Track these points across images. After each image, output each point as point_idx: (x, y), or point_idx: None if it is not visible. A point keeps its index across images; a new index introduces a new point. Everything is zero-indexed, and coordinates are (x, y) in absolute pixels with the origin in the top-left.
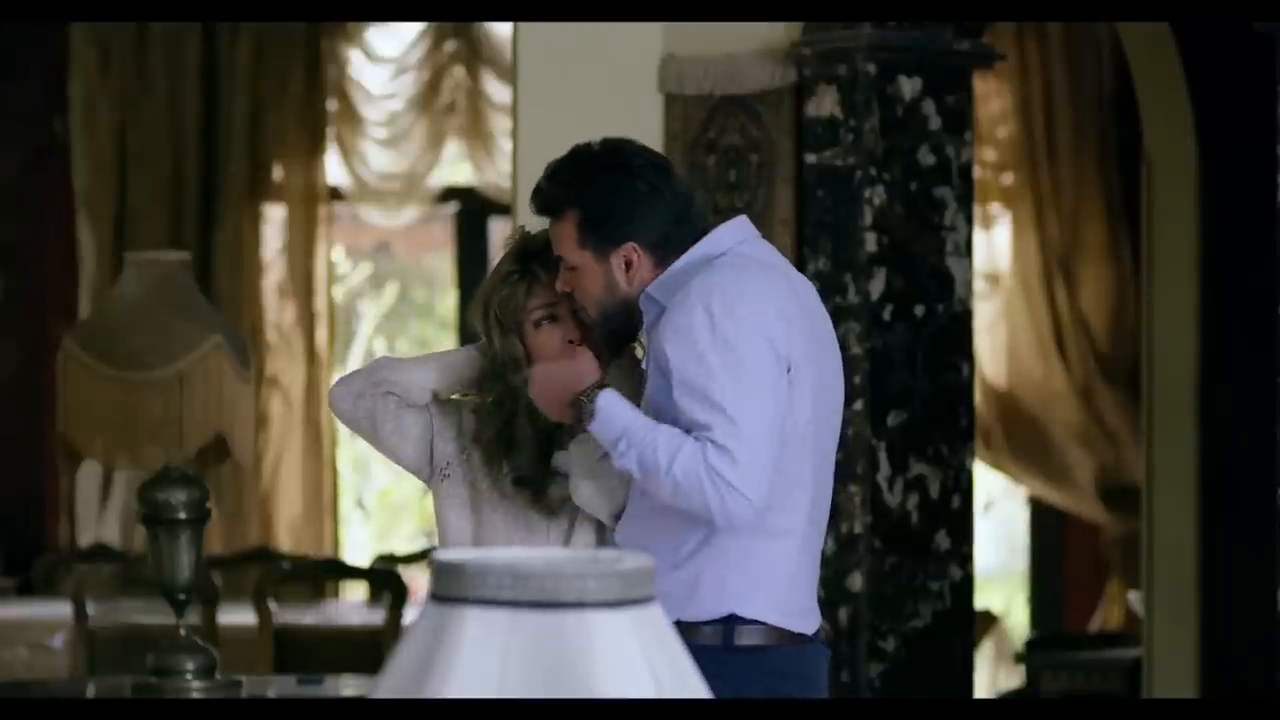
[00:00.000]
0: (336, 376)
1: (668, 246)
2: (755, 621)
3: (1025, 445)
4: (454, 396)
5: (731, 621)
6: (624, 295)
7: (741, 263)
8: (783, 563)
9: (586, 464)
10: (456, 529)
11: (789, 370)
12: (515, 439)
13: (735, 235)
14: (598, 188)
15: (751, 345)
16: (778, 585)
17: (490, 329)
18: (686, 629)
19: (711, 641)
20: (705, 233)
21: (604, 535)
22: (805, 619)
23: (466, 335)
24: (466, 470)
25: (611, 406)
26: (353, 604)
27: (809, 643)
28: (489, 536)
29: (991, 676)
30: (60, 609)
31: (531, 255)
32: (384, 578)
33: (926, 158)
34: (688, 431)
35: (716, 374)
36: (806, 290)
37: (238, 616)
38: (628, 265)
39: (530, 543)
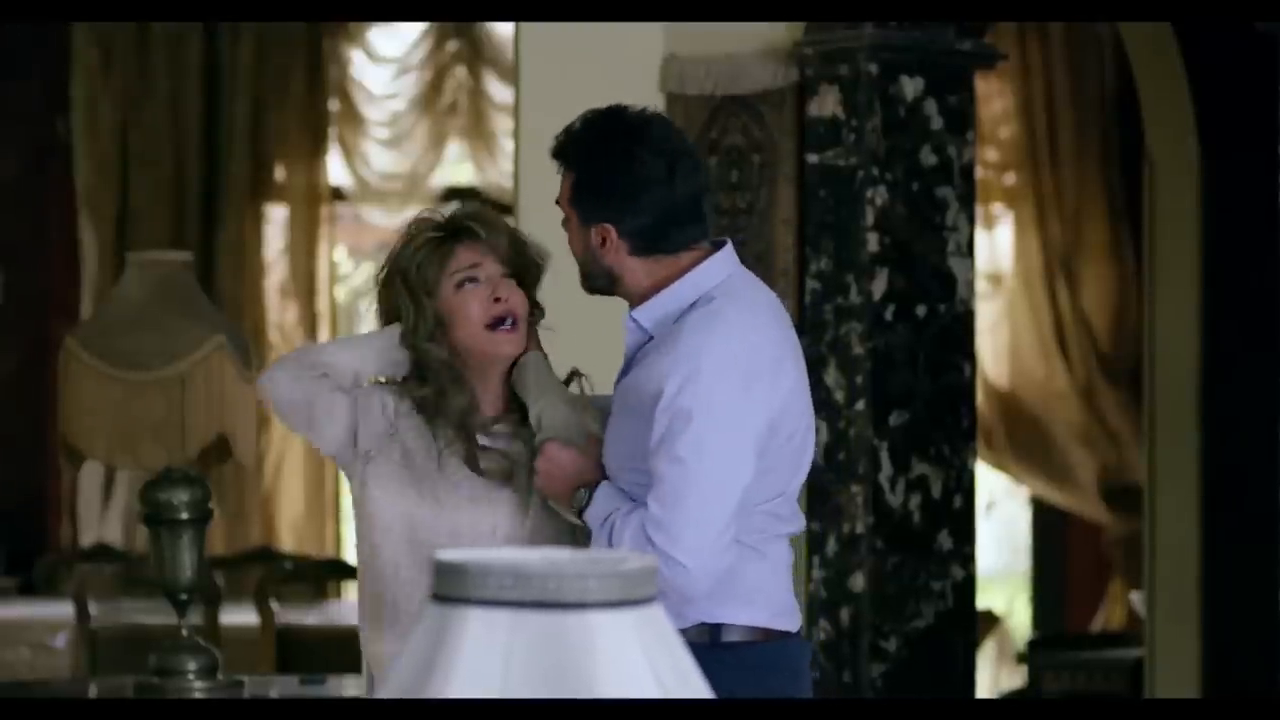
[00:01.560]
0: None
1: (648, 239)
2: (739, 624)
3: (1027, 445)
4: (378, 379)
5: (717, 623)
6: (602, 265)
7: (733, 312)
8: (765, 575)
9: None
10: (386, 509)
11: (776, 419)
12: (449, 405)
13: (722, 269)
14: (594, 160)
15: (734, 408)
16: (760, 592)
17: (410, 295)
18: None
19: (696, 640)
20: (697, 240)
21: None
22: (787, 618)
23: None
24: (396, 449)
25: (601, 500)
26: (355, 604)
27: (792, 638)
28: (430, 514)
29: (993, 677)
30: (62, 609)
31: (453, 223)
32: None
33: (928, 158)
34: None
35: (688, 431)
36: (781, 312)
37: (240, 616)
38: (603, 241)
39: (481, 514)
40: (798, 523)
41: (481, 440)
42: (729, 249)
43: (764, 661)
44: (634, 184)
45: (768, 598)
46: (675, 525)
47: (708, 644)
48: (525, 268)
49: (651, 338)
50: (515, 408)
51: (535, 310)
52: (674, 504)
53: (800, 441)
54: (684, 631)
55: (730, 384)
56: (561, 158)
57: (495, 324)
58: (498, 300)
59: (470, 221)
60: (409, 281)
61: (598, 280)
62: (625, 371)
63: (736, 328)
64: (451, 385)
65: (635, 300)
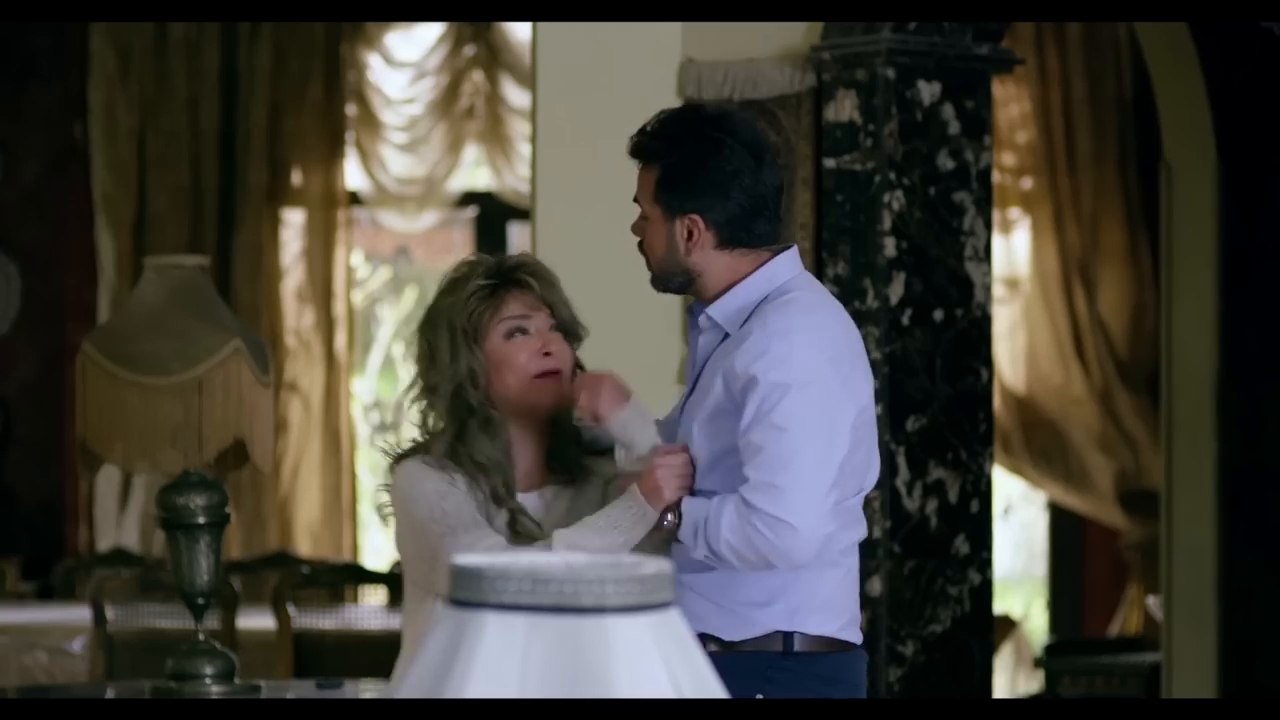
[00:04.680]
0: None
1: (735, 230)
2: (812, 633)
3: (1044, 450)
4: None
5: (790, 631)
6: (683, 261)
7: (813, 300)
8: (841, 584)
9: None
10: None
11: (863, 410)
12: (479, 450)
13: (792, 268)
14: (683, 152)
15: (828, 383)
16: (834, 601)
17: (455, 340)
18: (745, 641)
19: (767, 648)
20: (778, 237)
21: None
22: (854, 629)
23: None
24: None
25: (693, 509)
26: (372, 608)
27: (856, 650)
28: None
29: (1010, 681)
30: (79, 613)
31: (506, 271)
32: (403, 582)
33: (945, 162)
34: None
35: (785, 401)
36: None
37: (257, 621)
38: (689, 234)
39: None
40: (864, 528)
41: (521, 499)
42: (795, 251)
43: (831, 672)
44: (723, 172)
45: (841, 607)
46: (781, 488)
47: (779, 652)
48: (570, 325)
49: (726, 335)
50: (555, 470)
51: (579, 369)
52: (778, 469)
53: (873, 440)
54: (755, 640)
55: (823, 360)
56: (642, 155)
57: (542, 376)
58: (548, 354)
59: (522, 272)
60: (457, 326)
61: (674, 279)
62: (698, 372)
63: (821, 314)
64: (484, 432)
65: (709, 298)
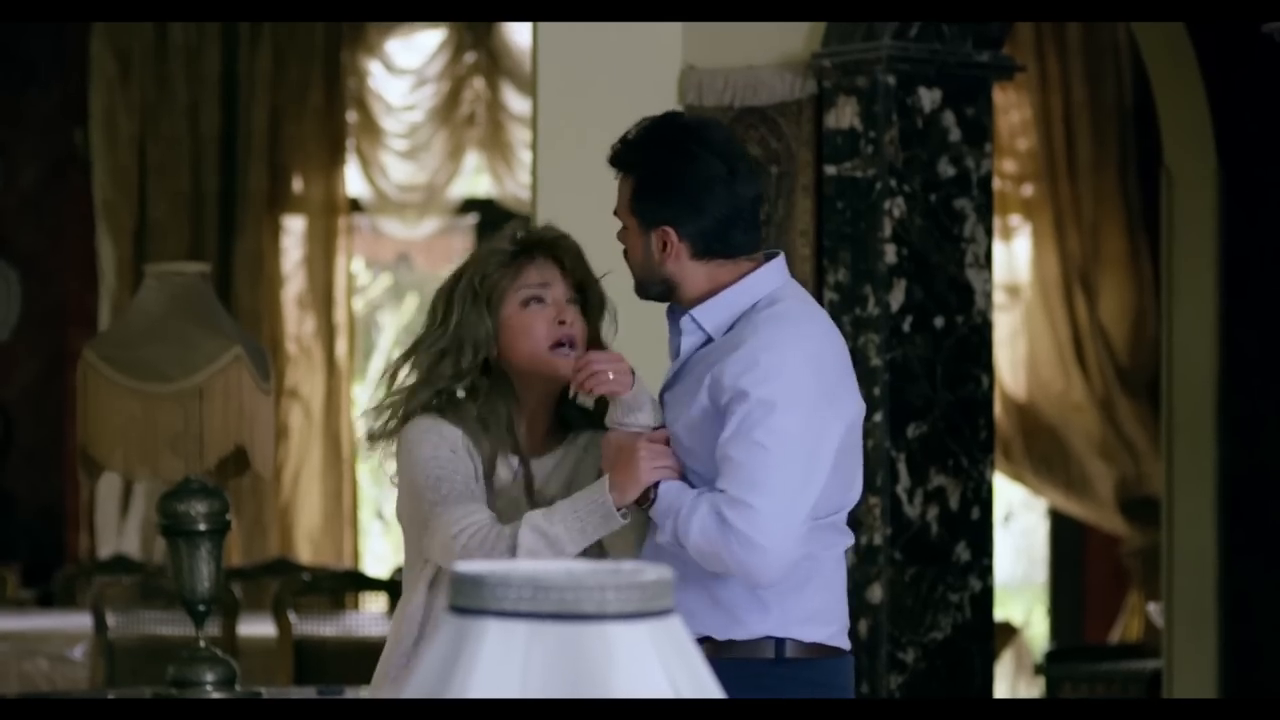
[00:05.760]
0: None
1: (710, 241)
2: (804, 640)
3: (1045, 457)
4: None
5: (782, 638)
6: (660, 271)
7: (803, 312)
8: (831, 591)
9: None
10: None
11: (851, 425)
12: (497, 412)
13: (778, 277)
14: (656, 163)
15: (817, 403)
16: (826, 609)
17: (466, 302)
18: (735, 644)
19: (759, 654)
20: (756, 247)
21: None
22: (844, 635)
23: None
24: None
25: (670, 493)
26: (372, 615)
27: (846, 655)
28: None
29: (1011, 688)
30: (80, 620)
31: (536, 243)
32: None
33: (946, 169)
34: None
35: (771, 419)
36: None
37: (257, 628)
38: (664, 245)
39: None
40: (851, 537)
41: (512, 461)
42: (782, 259)
43: (822, 678)
44: (696, 184)
45: (832, 614)
46: (756, 509)
47: (771, 659)
48: (591, 298)
49: (710, 339)
50: (564, 435)
51: (602, 346)
52: (756, 488)
53: (856, 458)
54: (746, 644)
55: (813, 380)
56: (620, 164)
57: (555, 346)
58: (561, 323)
59: (544, 242)
60: (472, 287)
61: (654, 288)
62: (678, 373)
63: (811, 328)
64: (498, 393)
65: (689, 304)
